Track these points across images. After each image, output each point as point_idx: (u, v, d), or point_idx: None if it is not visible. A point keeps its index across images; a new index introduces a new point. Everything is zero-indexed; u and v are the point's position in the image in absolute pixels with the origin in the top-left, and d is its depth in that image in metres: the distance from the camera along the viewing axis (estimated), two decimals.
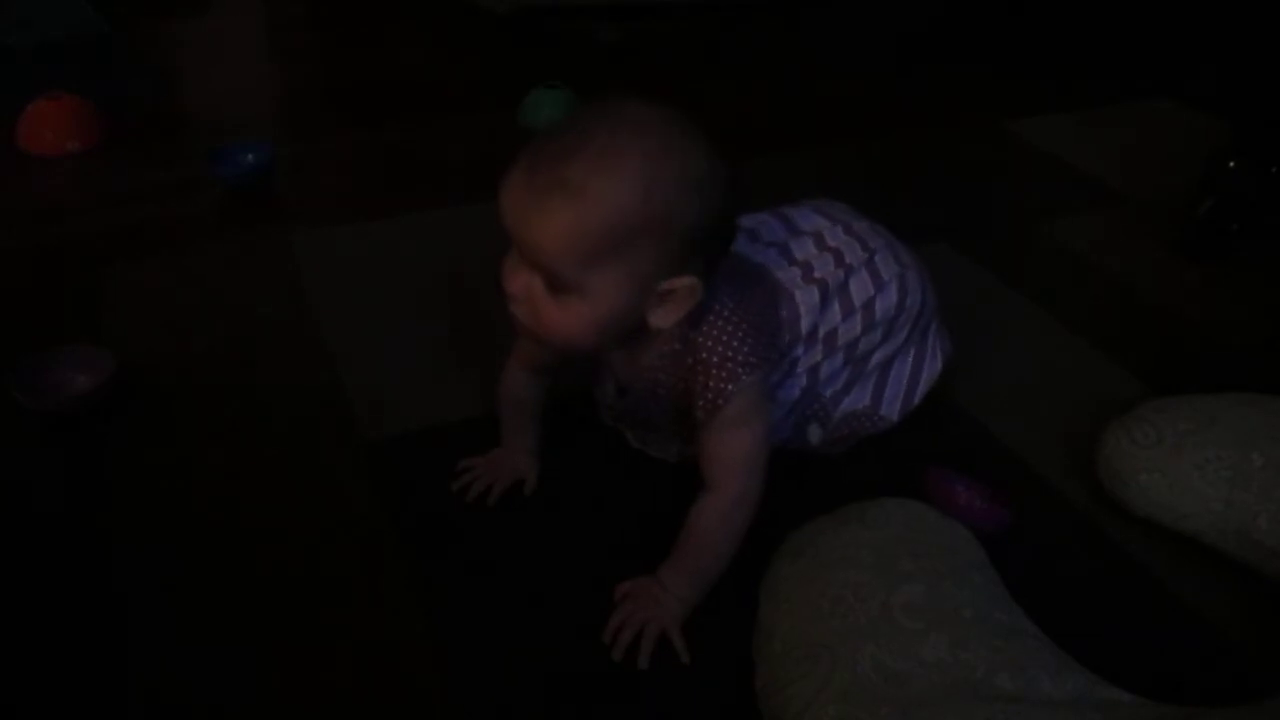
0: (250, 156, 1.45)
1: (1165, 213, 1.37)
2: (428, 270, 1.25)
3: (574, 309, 0.72)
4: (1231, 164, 1.28)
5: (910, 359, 0.96)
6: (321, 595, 0.82)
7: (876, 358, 0.92)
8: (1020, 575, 0.77)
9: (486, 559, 0.86)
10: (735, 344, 0.77)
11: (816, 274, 0.87)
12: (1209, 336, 1.17)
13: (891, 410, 0.94)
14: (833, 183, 1.49)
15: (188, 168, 1.49)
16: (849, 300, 0.88)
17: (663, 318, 0.74)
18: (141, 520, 0.89)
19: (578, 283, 0.70)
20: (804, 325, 0.86)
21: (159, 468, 0.95)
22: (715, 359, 0.77)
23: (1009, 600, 0.74)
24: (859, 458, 0.95)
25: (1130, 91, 1.83)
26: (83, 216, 1.38)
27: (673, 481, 0.91)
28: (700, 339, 0.78)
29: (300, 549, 0.86)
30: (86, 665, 0.76)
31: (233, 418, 1.01)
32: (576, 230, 0.68)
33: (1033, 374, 1.09)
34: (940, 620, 0.68)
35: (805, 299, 0.86)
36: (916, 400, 0.96)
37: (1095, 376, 1.09)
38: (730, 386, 0.77)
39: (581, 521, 0.89)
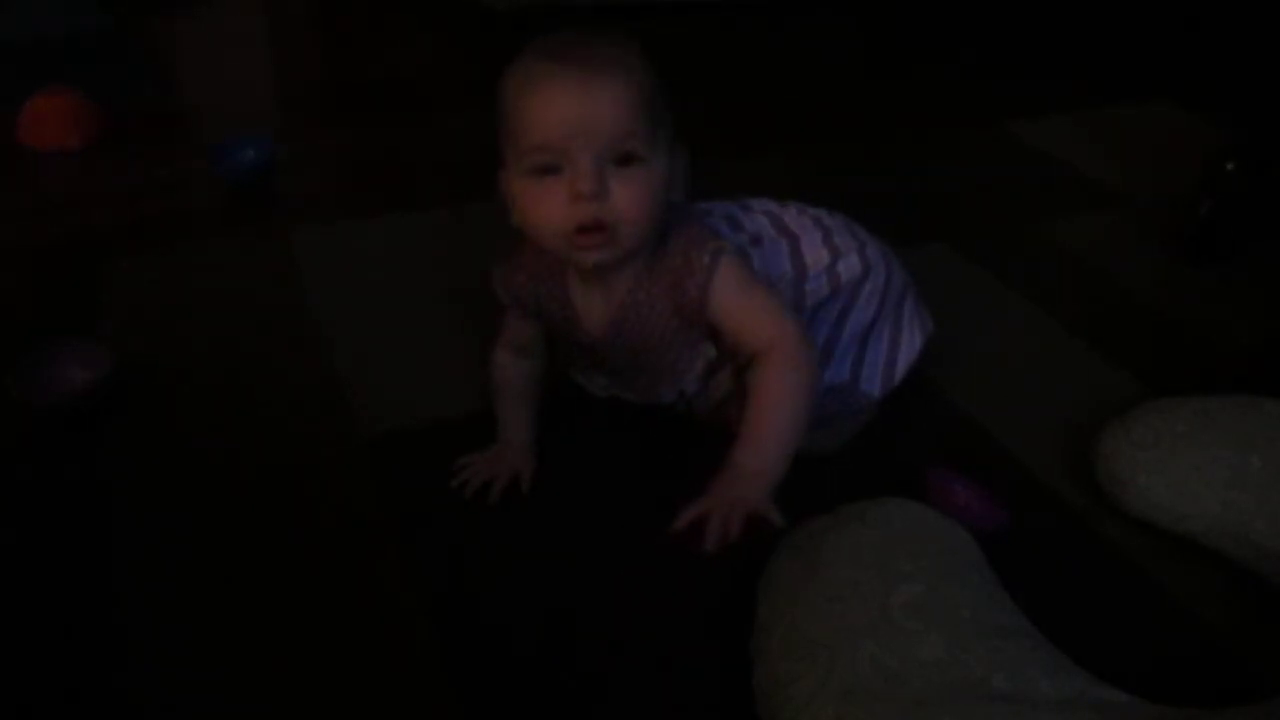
0: (251, 153, 1.45)
1: (1164, 214, 1.37)
2: (428, 267, 1.25)
3: (643, 178, 0.75)
4: (1230, 166, 1.29)
5: (886, 334, 0.96)
6: (320, 591, 0.82)
7: (849, 327, 0.93)
8: (1018, 576, 0.77)
9: (487, 555, 0.86)
10: (696, 233, 0.82)
11: (766, 240, 0.90)
12: (1207, 338, 1.17)
13: (872, 385, 0.95)
14: (832, 182, 1.50)
15: (188, 164, 1.49)
16: (807, 261, 0.91)
17: (677, 190, 0.80)
18: (139, 517, 0.89)
19: (647, 144, 0.74)
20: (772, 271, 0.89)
21: (157, 463, 0.95)
22: (685, 244, 0.81)
23: (1007, 601, 0.74)
24: (859, 458, 0.95)
25: (1130, 93, 1.83)
26: (82, 212, 1.38)
27: (675, 476, 0.91)
28: (669, 244, 0.81)
29: (299, 545, 0.86)
30: (83, 663, 0.76)
31: (231, 413, 1.01)
32: (636, 90, 0.73)
33: (1031, 375, 1.09)
34: (939, 620, 0.68)
35: (765, 252, 0.90)
36: (898, 378, 0.96)
37: (1093, 377, 1.09)
38: (713, 246, 0.80)
39: (581, 516, 0.89)
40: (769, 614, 0.74)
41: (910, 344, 0.97)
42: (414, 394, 1.03)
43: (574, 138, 0.72)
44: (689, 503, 0.75)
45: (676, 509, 0.76)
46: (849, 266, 0.92)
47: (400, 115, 1.72)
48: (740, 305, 0.81)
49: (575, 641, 0.78)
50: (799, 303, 0.91)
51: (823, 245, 0.92)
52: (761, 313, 0.81)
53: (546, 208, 0.75)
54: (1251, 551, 0.83)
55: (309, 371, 1.07)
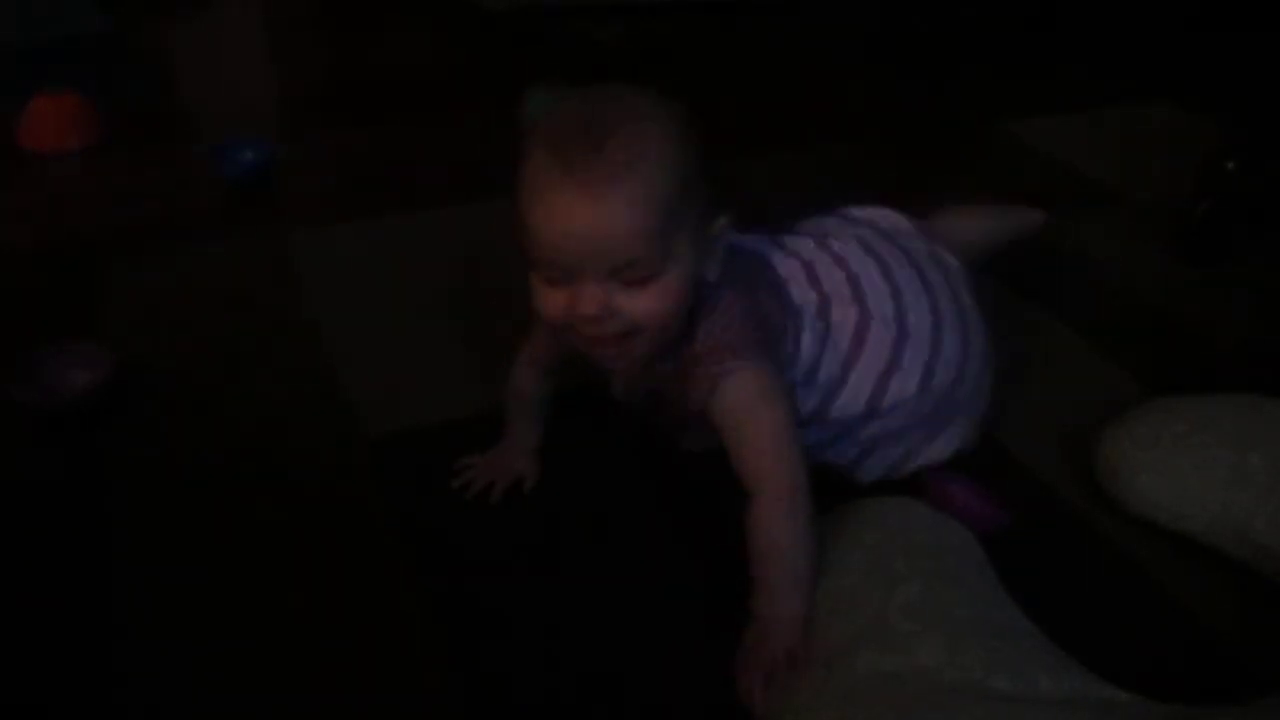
0: (250, 154, 1.45)
1: (1164, 214, 1.37)
2: (427, 268, 1.25)
3: (653, 291, 0.71)
4: (1229, 165, 1.29)
5: (911, 438, 0.88)
6: (321, 593, 0.82)
7: (873, 429, 0.86)
8: (1018, 575, 0.77)
9: (488, 557, 0.86)
10: (731, 333, 0.76)
11: (834, 303, 0.83)
12: (1207, 338, 1.17)
13: (871, 475, 0.88)
14: (831, 183, 1.50)
15: (188, 165, 1.49)
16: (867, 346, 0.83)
17: (712, 269, 0.75)
18: (139, 517, 0.89)
19: (659, 260, 0.70)
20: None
21: (157, 465, 0.95)
22: (708, 345, 0.76)
23: (1006, 599, 0.74)
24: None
25: (1129, 93, 1.83)
26: (82, 213, 1.38)
27: (677, 479, 0.91)
28: (698, 329, 0.77)
29: (300, 547, 0.86)
30: (82, 663, 0.76)
31: (231, 415, 1.01)
32: (648, 206, 0.68)
33: (1030, 374, 1.09)
34: (936, 621, 0.68)
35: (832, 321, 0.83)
36: (897, 476, 0.88)
37: (1093, 377, 1.09)
38: (726, 363, 0.75)
39: (582, 518, 0.89)
40: None
41: (939, 450, 0.88)
42: (414, 395, 1.03)
43: (578, 260, 0.69)
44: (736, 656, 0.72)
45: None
46: (901, 387, 0.83)
47: (399, 116, 1.72)
48: (739, 426, 0.75)
49: (575, 642, 0.78)
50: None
51: (885, 333, 0.83)
52: (752, 447, 0.74)
53: (557, 311, 0.73)
54: (1251, 550, 0.83)
55: (309, 372, 1.07)
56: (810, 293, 0.84)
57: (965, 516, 0.83)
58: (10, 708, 0.73)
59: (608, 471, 0.94)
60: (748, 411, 0.75)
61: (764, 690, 0.68)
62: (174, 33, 2.08)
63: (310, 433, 0.99)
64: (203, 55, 2.00)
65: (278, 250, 1.29)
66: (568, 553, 0.86)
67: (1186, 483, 0.85)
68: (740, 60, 2.02)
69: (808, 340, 0.82)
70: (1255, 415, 0.87)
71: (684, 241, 0.71)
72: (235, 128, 1.57)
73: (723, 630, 0.76)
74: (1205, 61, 1.99)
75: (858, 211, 0.97)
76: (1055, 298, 1.22)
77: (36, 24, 1.94)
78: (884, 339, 0.84)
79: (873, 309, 0.84)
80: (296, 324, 1.15)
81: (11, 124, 1.55)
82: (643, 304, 0.71)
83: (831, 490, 0.83)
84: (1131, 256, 1.32)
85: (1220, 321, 1.20)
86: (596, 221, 0.67)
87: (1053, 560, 0.86)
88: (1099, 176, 1.53)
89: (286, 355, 1.10)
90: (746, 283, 0.80)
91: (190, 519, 0.89)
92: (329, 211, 1.39)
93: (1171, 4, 2.20)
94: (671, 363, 0.78)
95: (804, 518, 0.73)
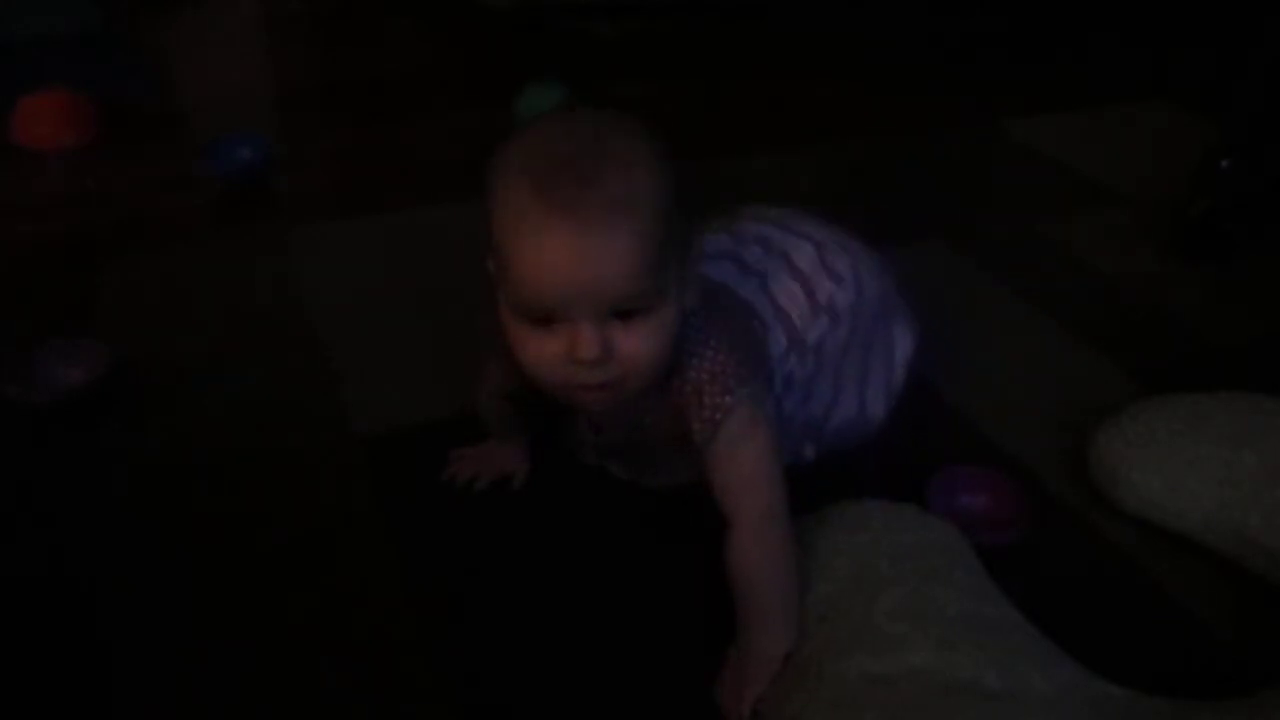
0: (246, 151, 1.45)
1: (1160, 213, 1.37)
2: (423, 266, 1.24)
3: (650, 327, 0.68)
4: (1224, 164, 1.29)
5: (880, 351, 0.92)
6: (314, 590, 0.82)
7: (850, 356, 0.89)
8: (1012, 573, 0.78)
9: (480, 555, 0.86)
10: (722, 359, 0.75)
11: (773, 281, 0.85)
12: (1202, 336, 1.17)
13: (877, 407, 0.93)
14: (831, 182, 1.50)
15: (183, 163, 1.49)
16: (814, 300, 0.86)
17: (691, 297, 0.73)
18: (134, 514, 0.89)
19: (655, 293, 0.67)
20: (780, 338, 0.84)
21: (152, 461, 0.94)
22: (705, 376, 0.74)
23: (996, 593, 0.74)
24: (857, 459, 0.95)
25: (1129, 92, 1.83)
26: (78, 211, 1.38)
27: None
28: (687, 360, 0.75)
29: (294, 543, 0.86)
30: (76, 662, 0.76)
31: (226, 412, 1.01)
32: (643, 239, 0.65)
33: (1027, 373, 1.09)
34: (924, 622, 0.68)
35: (785, 307, 0.85)
36: (899, 388, 0.93)
37: (1089, 375, 1.09)
38: (728, 398, 0.74)
39: (572, 515, 0.89)
40: None
41: (903, 347, 0.94)
42: (410, 393, 1.03)
43: (573, 301, 0.65)
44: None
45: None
46: (844, 294, 0.87)
47: (397, 113, 1.72)
48: (728, 458, 0.74)
49: (564, 641, 0.78)
50: (803, 340, 0.85)
51: (823, 270, 0.87)
52: (743, 474, 0.74)
53: (539, 357, 0.69)
54: (1245, 547, 0.83)
55: (304, 370, 1.07)
56: (752, 278, 0.85)
57: (969, 534, 0.82)
58: (6, 709, 0.73)
59: (597, 470, 0.94)
60: (745, 438, 0.74)
61: (745, 710, 0.70)
62: (170, 29, 2.08)
63: (304, 430, 0.99)
64: (199, 51, 2.00)
65: (273, 248, 1.29)
66: (557, 552, 0.86)
67: (1181, 480, 0.85)
68: (738, 59, 2.02)
69: (776, 340, 0.84)
70: (1250, 413, 0.87)
71: (673, 274, 0.69)
72: (230, 126, 1.57)
73: (709, 644, 0.76)
74: (1204, 61, 2.00)
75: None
76: (1051, 295, 1.23)
77: (31, 20, 1.94)
78: (811, 258, 0.87)
79: (801, 265, 0.87)
80: (291, 322, 1.15)
81: (6, 121, 1.54)
82: (637, 342, 0.68)
83: (831, 494, 0.83)
84: (1127, 254, 1.33)
85: (1215, 319, 1.20)
86: (595, 261, 0.64)
87: (1047, 558, 0.86)
88: (1097, 176, 1.54)
89: (281, 353, 1.10)
90: (709, 296, 0.78)
91: (182, 513, 0.89)
92: (324, 209, 1.39)
93: (1171, 4, 2.21)
94: (656, 395, 0.76)
95: (781, 543, 0.73)
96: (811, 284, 0.86)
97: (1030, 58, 2.05)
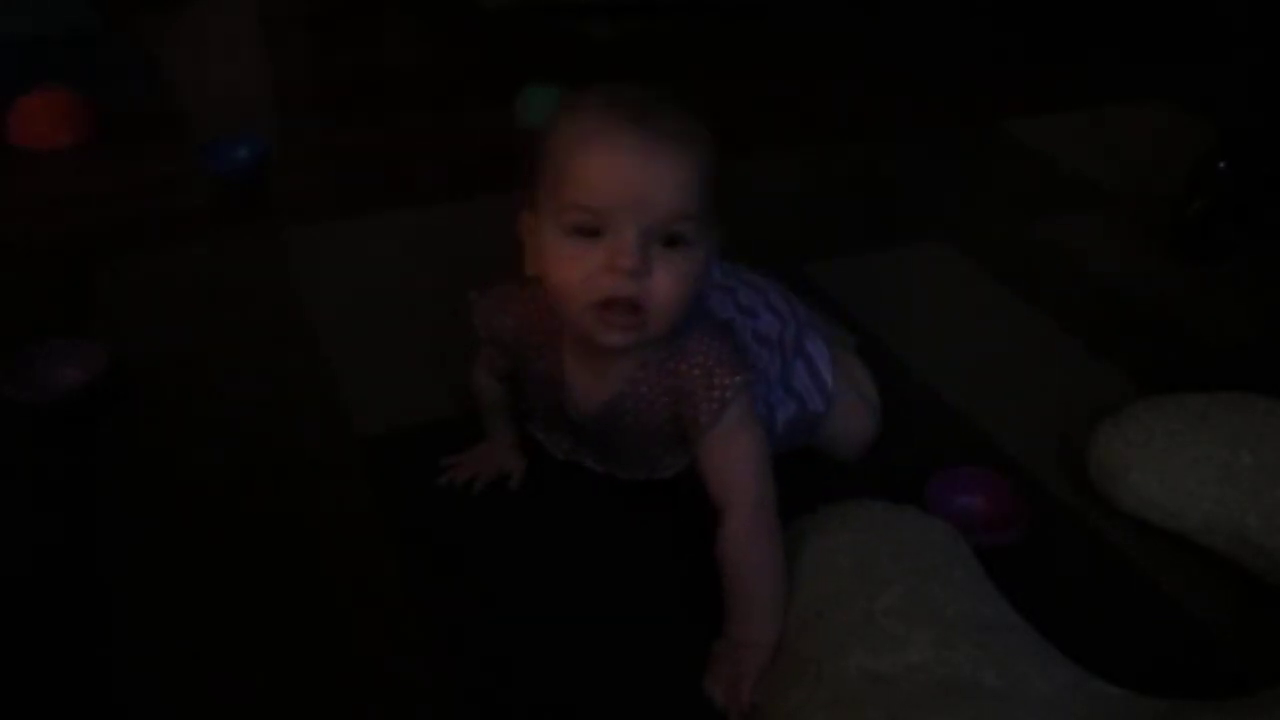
0: (243, 152, 1.45)
1: (1158, 213, 1.37)
2: (421, 266, 1.24)
3: (685, 264, 0.70)
4: (1221, 165, 1.29)
5: (801, 362, 0.91)
6: (314, 591, 0.82)
7: (773, 374, 0.89)
8: (1011, 572, 0.78)
9: (480, 555, 0.86)
10: (723, 347, 0.76)
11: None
12: (1200, 336, 1.17)
13: (815, 403, 0.91)
14: (831, 182, 1.50)
15: (180, 162, 1.49)
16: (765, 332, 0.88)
17: (713, 266, 0.76)
18: (132, 515, 0.89)
19: (698, 228, 0.70)
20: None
21: (150, 462, 0.94)
22: (714, 359, 0.75)
23: (994, 593, 0.74)
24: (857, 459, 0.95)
25: (1128, 92, 1.83)
26: (75, 211, 1.38)
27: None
28: (691, 344, 0.76)
29: (293, 544, 0.86)
30: (76, 662, 0.76)
31: (225, 413, 1.01)
32: (700, 170, 0.69)
33: (1025, 372, 1.09)
34: (923, 621, 0.68)
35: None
36: (830, 381, 0.91)
37: (1087, 375, 1.10)
38: (738, 379, 0.75)
39: (570, 513, 0.89)
40: None
41: (820, 354, 0.92)
42: (408, 393, 1.03)
43: (626, 207, 0.67)
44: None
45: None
46: (768, 324, 0.89)
47: (393, 113, 1.71)
48: (725, 446, 0.75)
49: (565, 640, 0.78)
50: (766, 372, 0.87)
51: (766, 309, 0.89)
52: (740, 462, 0.75)
53: (577, 271, 0.69)
54: (1243, 547, 0.83)
55: (303, 370, 1.07)
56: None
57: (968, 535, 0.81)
58: (7, 707, 0.73)
59: (573, 464, 0.93)
60: (743, 426, 0.75)
61: (747, 701, 0.71)
62: (168, 29, 2.07)
63: (302, 430, 0.99)
64: (196, 51, 2.00)
65: (271, 248, 1.29)
66: (556, 551, 0.86)
67: (1179, 481, 0.85)
68: (737, 59, 2.02)
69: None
70: (1248, 413, 0.87)
71: (709, 225, 0.72)
72: (228, 126, 1.57)
73: (708, 642, 0.76)
74: (1203, 61, 2.00)
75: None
76: (1051, 295, 1.23)
77: (28, 19, 1.93)
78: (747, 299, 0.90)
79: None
80: (290, 322, 1.15)
81: (3, 120, 1.54)
82: (672, 275, 0.69)
83: (829, 496, 0.83)
84: (1126, 255, 1.33)
85: (1213, 319, 1.20)
86: (660, 171, 0.67)
87: (1045, 557, 0.86)
88: (1096, 176, 1.54)
89: (280, 353, 1.10)
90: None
91: (181, 516, 0.89)
92: (322, 209, 1.39)
93: (1171, 4, 2.21)
94: (652, 373, 0.77)
95: (771, 535, 0.74)
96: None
97: (1032, 58, 2.05)
